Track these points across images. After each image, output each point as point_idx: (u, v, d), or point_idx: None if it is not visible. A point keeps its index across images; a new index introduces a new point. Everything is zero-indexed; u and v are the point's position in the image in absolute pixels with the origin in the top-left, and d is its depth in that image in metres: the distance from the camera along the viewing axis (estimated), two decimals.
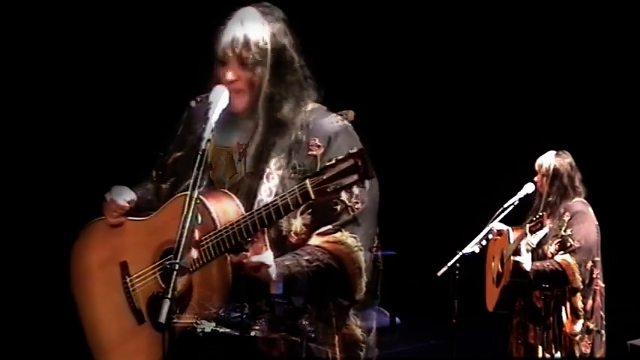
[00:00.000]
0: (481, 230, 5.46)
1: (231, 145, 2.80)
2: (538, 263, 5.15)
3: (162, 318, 2.34)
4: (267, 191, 2.72)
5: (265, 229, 2.61)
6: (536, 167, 5.35)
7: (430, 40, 7.93)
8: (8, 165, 6.22)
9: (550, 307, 5.23)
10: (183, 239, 2.43)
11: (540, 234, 5.16)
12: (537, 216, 5.12)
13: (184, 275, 2.54)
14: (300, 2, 3.83)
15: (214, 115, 2.64)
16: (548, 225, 5.16)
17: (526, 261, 5.14)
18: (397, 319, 7.62)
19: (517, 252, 5.23)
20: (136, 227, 2.84)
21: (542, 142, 5.60)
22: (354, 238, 2.72)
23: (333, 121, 2.79)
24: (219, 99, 2.68)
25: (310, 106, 2.82)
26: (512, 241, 5.30)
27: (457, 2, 7.86)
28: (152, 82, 6.37)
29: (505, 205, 5.42)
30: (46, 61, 6.32)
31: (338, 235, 2.71)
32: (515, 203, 5.42)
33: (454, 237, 5.52)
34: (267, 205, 2.59)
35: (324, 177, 2.51)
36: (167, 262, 2.45)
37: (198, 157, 2.56)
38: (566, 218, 5.19)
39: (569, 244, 5.16)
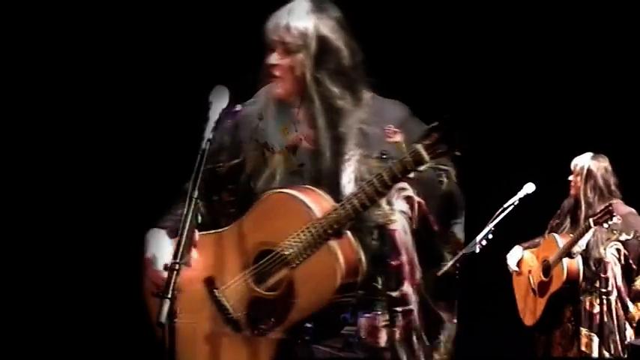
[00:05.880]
0: (481, 230, 5.46)
1: (289, 138, 2.77)
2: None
3: (163, 318, 2.33)
4: (347, 178, 2.69)
5: None
6: (572, 167, 5.41)
7: (431, 39, 7.93)
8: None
9: (611, 312, 5.24)
10: (184, 239, 2.44)
11: (588, 236, 5.18)
12: (606, 205, 5.10)
13: (281, 274, 2.57)
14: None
15: (214, 115, 2.64)
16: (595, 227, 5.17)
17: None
18: None
19: (569, 256, 5.23)
20: (216, 239, 2.75)
21: (543, 142, 5.60)
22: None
23: (398, 106, 2.84)
24: (220, 99, 2.68)
25: (367, 94, 2.81)
26: (561, 245, 5.30)
27: (462, 3, 7.86)
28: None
29: (505, 205, 5.42)
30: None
31: None
32: (515, 203, 5.42)
33: None
34: (370, 179, 2.59)
35: (430, 141, 2.60)
36: (167, 263, 2.43)
37: (199, 157, 2.56)
38: (617, 220, 5.14)
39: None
